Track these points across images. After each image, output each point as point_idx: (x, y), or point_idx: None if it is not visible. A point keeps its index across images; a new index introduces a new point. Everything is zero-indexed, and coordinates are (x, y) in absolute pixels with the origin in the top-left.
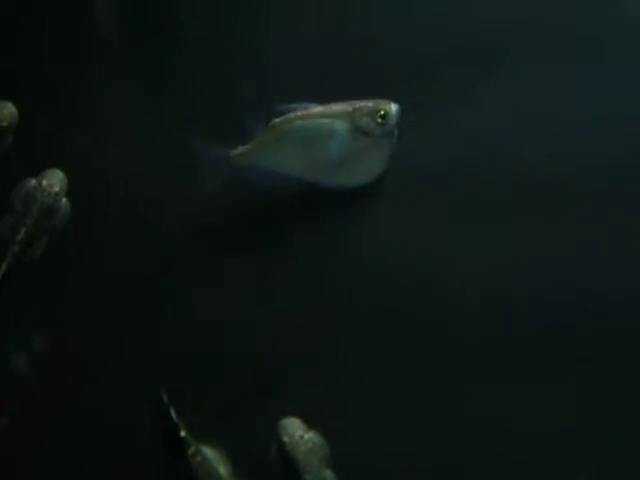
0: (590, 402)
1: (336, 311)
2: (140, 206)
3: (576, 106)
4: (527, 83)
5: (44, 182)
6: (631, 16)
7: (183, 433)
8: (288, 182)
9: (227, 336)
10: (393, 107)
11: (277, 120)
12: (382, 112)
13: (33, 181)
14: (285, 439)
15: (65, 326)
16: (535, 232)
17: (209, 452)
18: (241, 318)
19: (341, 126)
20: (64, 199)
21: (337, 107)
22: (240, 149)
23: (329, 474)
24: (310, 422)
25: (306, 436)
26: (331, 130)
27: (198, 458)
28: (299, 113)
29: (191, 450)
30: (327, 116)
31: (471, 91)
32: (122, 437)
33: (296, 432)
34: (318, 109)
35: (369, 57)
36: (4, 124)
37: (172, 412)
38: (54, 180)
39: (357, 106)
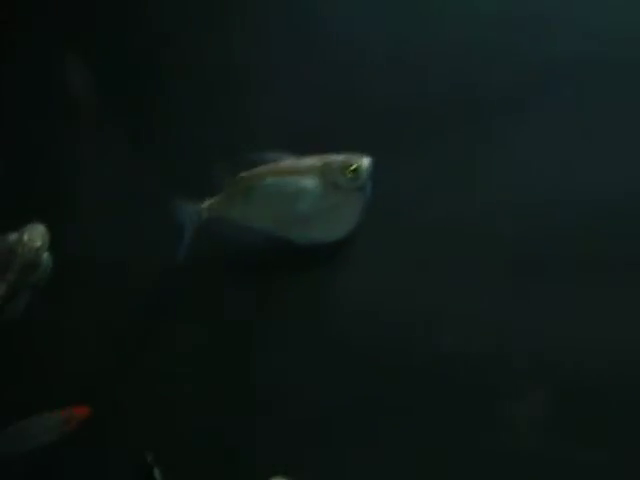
0: None
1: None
2: (113, 263)
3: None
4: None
5: (25, 237)
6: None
7: None
8: (259, 236)
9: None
10: (365, 161)
11: (245, 174)
12: (353, 166)
13: (14, 235)
14: None
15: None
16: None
17: None
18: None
19: (311, 182)
20: (46, 254)
21: (307, 161)
22: (208, 202)
23: None
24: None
25: None
26: (301, 187)
27: None
28: (268, 167)
29: None
30: (296, 171)
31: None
32: None
33: None
34: (287, 163)
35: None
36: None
37: (157, 473)
38: (36, 234)
39: (327, 160)
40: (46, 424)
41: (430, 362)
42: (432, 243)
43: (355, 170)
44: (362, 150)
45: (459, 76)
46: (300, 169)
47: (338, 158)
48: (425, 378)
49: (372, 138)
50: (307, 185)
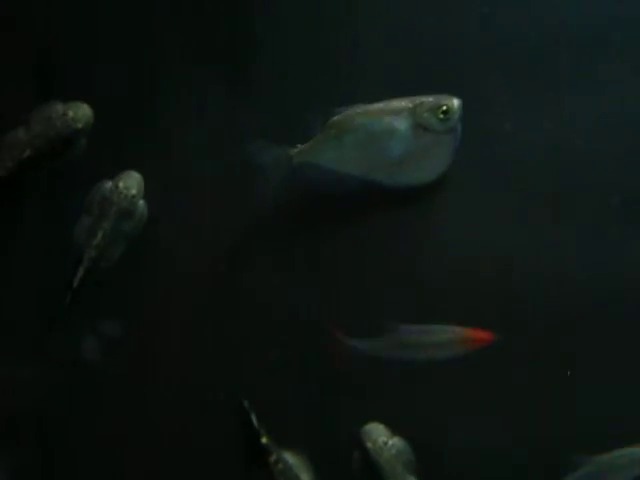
0: None
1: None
2: (207, 207)
3: None
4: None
5: (120, 184)
6: None
7: (265, 440)
8: (350, 181)
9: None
10: (455, 102)
11: (336, 118)
12: (444, 107)
13: (109, 183)
14: (369, 445)
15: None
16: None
17: (291, 459)
18: (309, 317)
19: (402, 123)
20: (141, 202)
21: (397, 103)
22: (300, 147)
23: None
24: (393, 427)
25: (390, 442)
26: (392, 128)
27: (280, 465)
28: (359, 110)
29: (273, 457)
30: (387, 113)
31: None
32: (201, 442)
33: (379, 438)
34: (378, 105)
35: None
36: (79, 125)
37: (253, 418)
38: (131, 182)
39: (418, 102)
40: None
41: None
42: (526, 187)
43: (446, 111)
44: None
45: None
46: (391, 111)
47: (429, 99)
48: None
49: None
50: (398, 127)
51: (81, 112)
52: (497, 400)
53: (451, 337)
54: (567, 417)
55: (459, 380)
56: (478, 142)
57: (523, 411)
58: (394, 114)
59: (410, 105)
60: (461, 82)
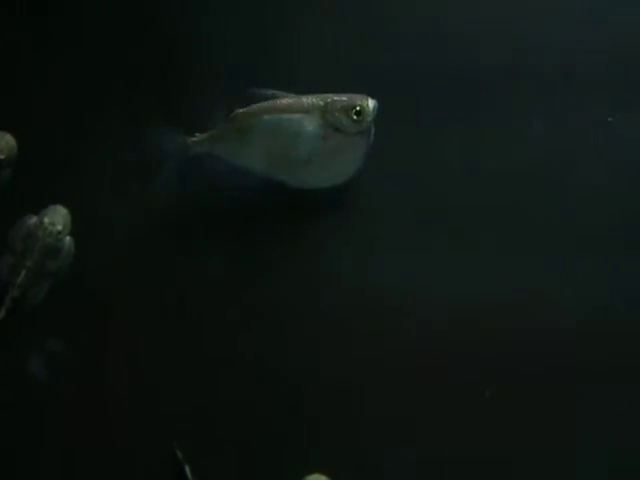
0: None
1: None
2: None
3: None
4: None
5: (46, 220)
6: None
7: None
8: (251, 178)
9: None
10: (370, 103)
11: (241, 110)
12: (357, 108)
13: (34, 218)
14: None
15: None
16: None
17: None
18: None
19: (311, 122)
20: (68, 238)
21: (308, 100)
22: (199, 136)
23: None
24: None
25: None
26: (299, 126)
27: None
28: (266, 104)
29: None
30: (296, 110)
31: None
32: None
33: None
34: (287, 101)
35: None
36: (1, 156)
37: (187, 470)
38: (57, 217)
39: (330, 100)
40: None
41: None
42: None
43: (359, 112)
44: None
45: None
46: (300, 108)
47: (342, 98)
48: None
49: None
50: (306, 126)
51: (4, 142)
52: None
53: None
54: None
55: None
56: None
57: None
58: (303, 111)
59: (321, 103)
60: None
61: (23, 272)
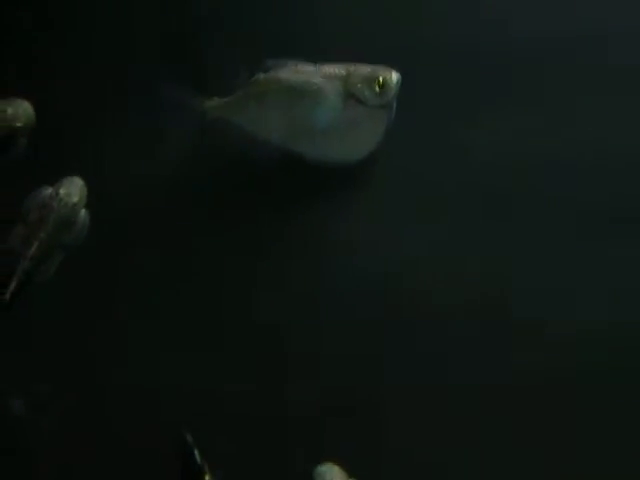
0: None
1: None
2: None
3: None
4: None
5: (62, 191)
6: None
7: (208, 478)
8: (266, 148)
9: None
10: (394, 76)
11: (262, 75)
12: (380, 80)
13: (49, 190)
14: None
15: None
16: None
17: None
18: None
19: (332, 90)
20: (83, 211)
21: (330, 69)
22: (216, 100)
23: None
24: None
25: None
26: (320, 95)
27: None
28: (286, 71)
29: None
30: (317, 78)
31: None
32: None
33: None
34: (309, 68)
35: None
36: (18, 124)
37: (197, 454)
38: (73, 189)
39: (352, 70)
40: None
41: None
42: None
43: (382, 84)
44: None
45: None
46: (322, 75)
47: (365, 68)
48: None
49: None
50: (327, 93)
51: (21, 110)
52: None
53: None
54: None
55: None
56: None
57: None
58: (324, 79)
59: (343, 72)
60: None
61: (36, 244)
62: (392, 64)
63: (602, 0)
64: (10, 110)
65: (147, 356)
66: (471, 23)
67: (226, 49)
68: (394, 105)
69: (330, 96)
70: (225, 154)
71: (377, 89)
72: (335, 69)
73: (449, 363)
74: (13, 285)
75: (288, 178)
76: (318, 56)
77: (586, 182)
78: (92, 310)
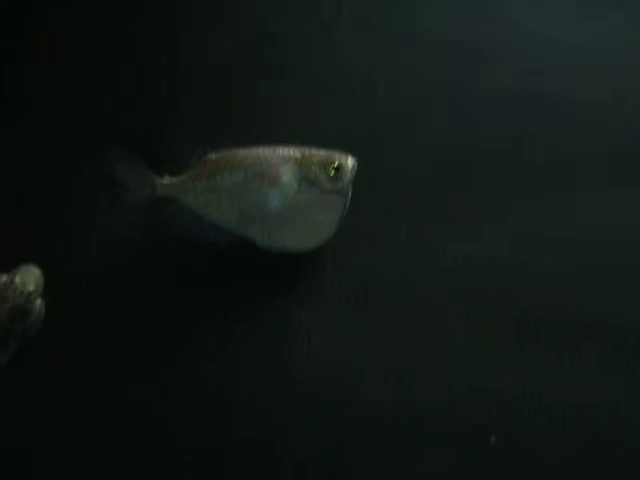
0: None
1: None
2: None
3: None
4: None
5: (17, 279)
6: None
7: None
8: (216, 231)
9: None
10: (349, 161)
11: (214, 155)
12: (335, 164)
13: (4, 277)
14: None
15: None
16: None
17: None
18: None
19: (286, 172)
20: (39, 301)
21: (285, 150)
22: (168, 179)
23: None
24: None
25: None
26: (276, 175)
27: None
28: (240, 151)
29: None
30: (272, 159)
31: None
32: None
33: None
34: (263, 148)
35: None
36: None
37: None
38: (28, 278)
39: (307, 153)
40: None
41: None
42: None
43: (337, 168)
44: None
45: None
46: (276, 157)
47: (320, 152)
48: None
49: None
50: (281, 175)
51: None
52: None
53: None
54: None
55: None
56: None
57: None
58: (279, 161)
59: (298, 154)
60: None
61: None
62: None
63: None
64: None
65: None
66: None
67: (182, 128)
68: (349, 192)
69: (284, 177)
70: (173, 235)
71: (332, 173)
72: (290, 150)
73: None
74: None
75: (237, 263)
76: (272, 138)
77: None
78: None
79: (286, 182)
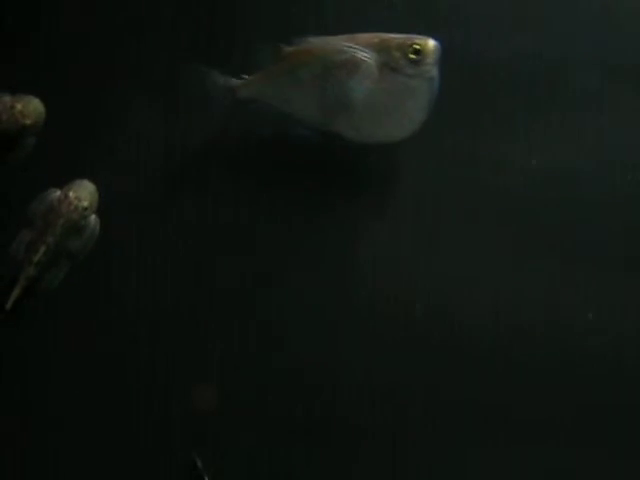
0: None
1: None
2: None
3: None
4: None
5: (71, 194)
6: None
7: None
8: (300, 129)
9: None
10: (431, 43)
11: (290, 49)
12: (416, 46)
13: (58, 192)
14: None
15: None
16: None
17: None
18: None
19: (365, 60)
20: (93, 217)
21: (361, 38)
22: (246, 79)
23: None
24: None
25: None
26: (353, 64)
27: None
28: (317, 41)
29: None
30: (350, 47)
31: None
32: None
33: None
34: (340, 38)
35: None
36: (27, 122)
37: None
38: (83, 193)
39: (385, 37)
40: None
41: None
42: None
43: (418, 51)
44: None
45: None
46: (354, 44)
47: (399, 36)
48: None
49: None
50: (360, 62)
51: (32, 107)
52: None
53: None
54: None
55: None
56: None
57: None
58: (357, 48)
59: (376, 40)
60: None
61: (42, 249)
62: None
63: None
64: (19, 106)
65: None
66: None
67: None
68: (436, 77)
69: (363, 65)
70: (257, 136)
71: (412, 56)
72: (368, 36)
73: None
74: (16, 292)
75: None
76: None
77: None
78: (95, 324)
79: (365, 69)
